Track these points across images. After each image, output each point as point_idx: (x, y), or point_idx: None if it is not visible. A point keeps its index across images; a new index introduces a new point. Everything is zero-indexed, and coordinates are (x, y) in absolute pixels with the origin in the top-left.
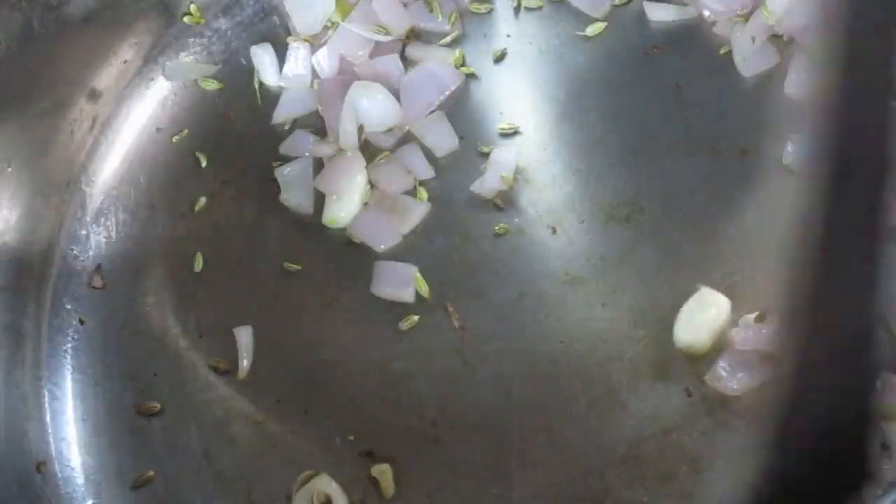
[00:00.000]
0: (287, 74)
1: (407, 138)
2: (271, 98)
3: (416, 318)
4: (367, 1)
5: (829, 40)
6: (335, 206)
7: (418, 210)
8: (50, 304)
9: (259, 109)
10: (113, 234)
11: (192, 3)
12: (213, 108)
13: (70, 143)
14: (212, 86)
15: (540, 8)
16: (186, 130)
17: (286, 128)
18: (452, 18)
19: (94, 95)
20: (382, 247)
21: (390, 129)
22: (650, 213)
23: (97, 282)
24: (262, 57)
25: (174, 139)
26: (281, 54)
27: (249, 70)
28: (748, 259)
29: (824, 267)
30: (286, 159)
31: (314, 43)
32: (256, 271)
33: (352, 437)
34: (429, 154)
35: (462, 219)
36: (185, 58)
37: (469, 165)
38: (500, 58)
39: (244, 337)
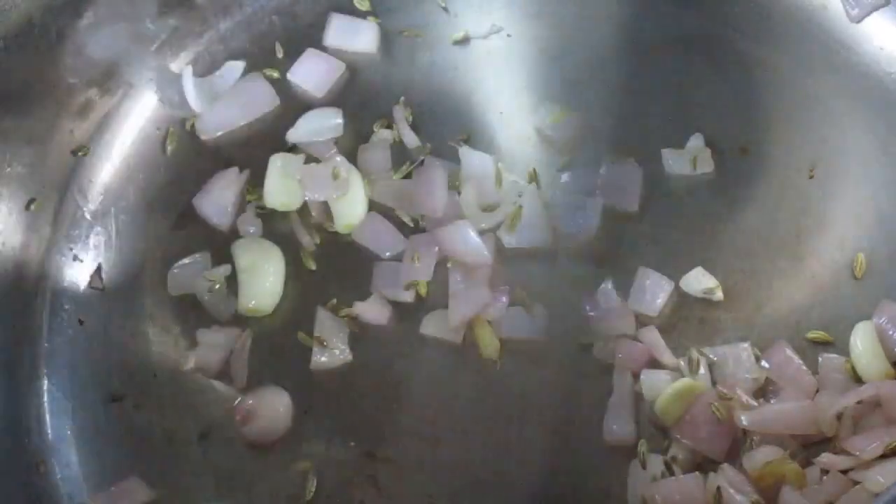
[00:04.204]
0: None
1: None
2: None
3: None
4: None
5: None
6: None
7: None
8: (50, 304)
9: None
10: (113, 234)
11: None
12: None
13: (69, 144)
14: None
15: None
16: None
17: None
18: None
19: (92, 96)
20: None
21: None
22: (650, 213)
23: (97, 282)
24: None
25: (174, 138)
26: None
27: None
28: (748, 259)
29: None
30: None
31: None
32: None
33: (352, 438)
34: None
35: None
36: (184, 58)
37: None
38: (501, 58)
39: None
